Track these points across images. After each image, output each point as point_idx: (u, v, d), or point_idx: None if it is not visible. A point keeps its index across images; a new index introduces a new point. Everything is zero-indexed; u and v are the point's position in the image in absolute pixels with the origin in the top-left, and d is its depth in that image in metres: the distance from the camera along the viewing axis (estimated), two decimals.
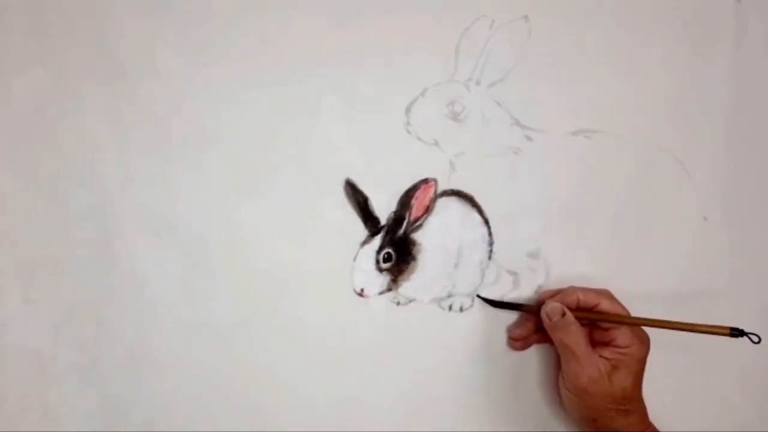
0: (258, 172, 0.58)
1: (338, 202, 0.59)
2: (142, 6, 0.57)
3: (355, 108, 0.59)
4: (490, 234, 0.60)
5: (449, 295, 0.60)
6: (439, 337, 0.60)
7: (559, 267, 0.60)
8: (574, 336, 0.55)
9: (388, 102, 0.59)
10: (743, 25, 0.62)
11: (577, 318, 0.55)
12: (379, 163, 0.59)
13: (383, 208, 0.59)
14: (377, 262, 0.59)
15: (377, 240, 0.59)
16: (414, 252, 0.59)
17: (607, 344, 0.55)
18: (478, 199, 0.60)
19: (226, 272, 0.58)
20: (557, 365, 0.58)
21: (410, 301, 0.60)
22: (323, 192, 0.59)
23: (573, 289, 0.57)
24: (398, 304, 0.60)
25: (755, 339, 0.52)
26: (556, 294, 0.58)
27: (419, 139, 0.59)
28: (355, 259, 0.59)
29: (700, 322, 0.53)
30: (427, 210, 0.59)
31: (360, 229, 0.59)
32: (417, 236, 0.59)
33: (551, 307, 0.56)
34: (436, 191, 0.59)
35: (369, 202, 0.59)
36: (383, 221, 0.59)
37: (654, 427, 0.56)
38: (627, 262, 0.61)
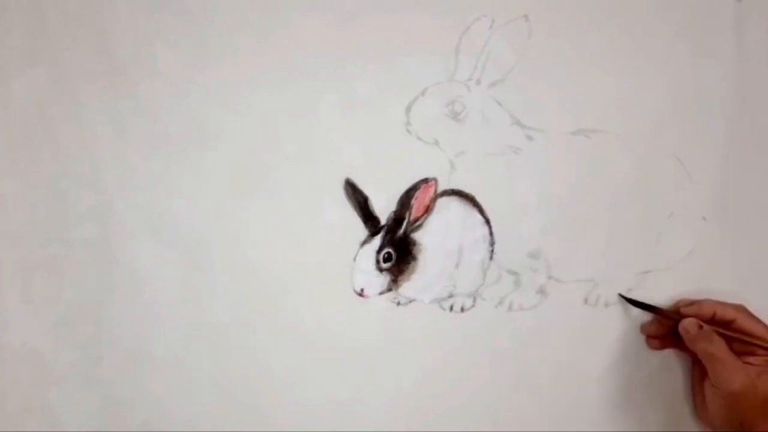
0: (258, 172, 0.58)
1: (338, 202, 0.59)
2: (142, 6, 0.57)
3: (355, 108, 0.59)
4: (491, 234, 0.60)
5: (450, 296, 0.60)
6: (440, 338, 0.60)
7: (560, 267, 0.60)
8: (716, 343, 0.56)
9: (388, 102, 0.59)
10: (743, 25, 0.62)
11: (714, 331, 0.57)
12: (379, 163, 0.59)
13: (383, 208, 0.59)
14: (377, 262, 0.59)
15: (377, 240, 0.59)
16: (414, 252, 0.59)
17: (750, 353, 0.56)
18: (478, 198, 0.60)
19: (226, 272, 0.58)
20: (693, 376, 0.61)
21: (410, 302, 0.60)
22: (323, 192, 0.59)
23: (709, 303, 0.58)
24: (398, 304, 0.60)
25: None
26: (691, 304, 0.59)
27: (419, 138, 0.59)
28: (355, 259, 0.59)
29: None
30: (428, 210, 0.59)
31: (360, 229, 0.59)
32: (417, 236, 0.59)
33: (688, 322, 0.57)
34: (436, 191, 0.59)
35: (369, 202, 0.59)
36: (383, 221, 0.59)
37: None
38: (627, 262, 0.61)
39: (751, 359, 0.56)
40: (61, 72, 0.57)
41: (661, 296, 0.61)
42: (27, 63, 0.57)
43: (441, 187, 0.60)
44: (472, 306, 0.60)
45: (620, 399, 0.62)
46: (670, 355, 0.62)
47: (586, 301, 0.61)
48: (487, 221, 0.60)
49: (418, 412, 0.60)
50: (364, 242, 0.59)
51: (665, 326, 0.60)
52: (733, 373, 0.55)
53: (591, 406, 0.62)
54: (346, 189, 0.59)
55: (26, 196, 0.57)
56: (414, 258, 0.59)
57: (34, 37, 0.57)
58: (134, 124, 0.57)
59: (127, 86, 0.57)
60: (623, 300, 0.61)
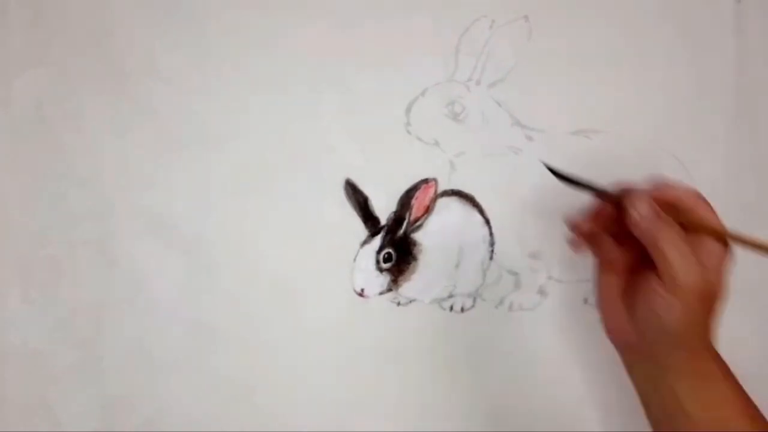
0: (258, 172, 0.58)
1: (338, 202, 0.59)
2: (142, 6, 0.57)
3: (355, 108, 0.59)
4: (491, 234, 0.60)
5: (450, 296, 0.60)
6: (440, 338, 0.60)
7: (560, 267, 0.60)
8: (671, 235, 0.46)
9: (388, 102, 0.59)
10: (743, 25, 0.62)
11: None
12: (379, 163, 0.59)
13: (383, 208, 0.59)
14: (377, 262, 0.59)
15: (377, 240, 0.59)
16: (414, 252, 0.59)
17: (699, 245, 0.48)
18: (478, 199, 0.60)
19: (226, 272, 0.58)
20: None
21: (411, 302, 0.60)
22: (323, 192, 0.59)
23: (665, 186, 0.49)
24: (399, 304, 0.60)
25: None
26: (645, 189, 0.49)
27: (419, 139, 0.59)
28: (355, 259, 0.59)
29: None
30: (428, 210, 0.59)
31: (360, 229, 0.59)
32: (417, 236, 0.59)
33: (643, 206, 0.47)
34: (436, 191, 0.59)
35: (369, 202, 0.59)
36: (383, 221, 0.59)
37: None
38: None
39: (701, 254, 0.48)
40: (61, 72, 0.57)
41: None
42: (27, 63, 0.57)
43: (441, 188, 0.60)
44: (472, 306, 0.61)
45: (620, 399, 0.62)
46: None
47: (586, 301, 0.61)
48: (487, 221, 0.60)
49: (418, 412, 0.60)
50: (364, 242, 0.59)
51: (605, 218, 0.51)
52: (689, 266, 0.46)
53: (591, 406, 0.62)
54: (346, 189, 0.59)
55: (26, 196, 0.57)
56: (414, 258, 0.59)
57: (34, 37, 0.57)
58: (134, 124, 0.57)
59: (127, 86, 0.57)
60: (551, 173, 0.52)
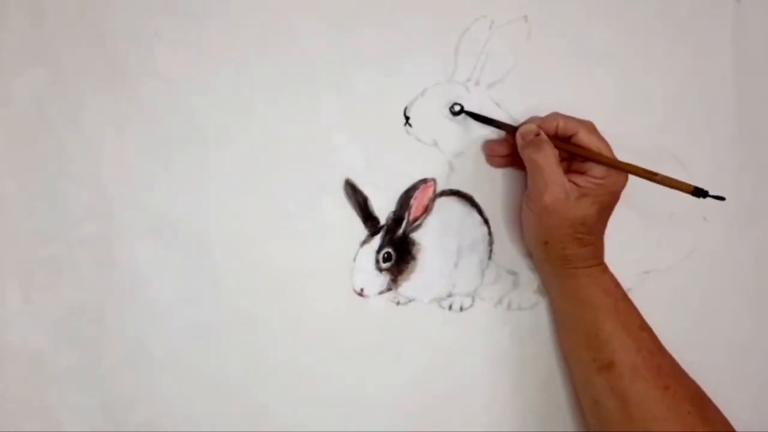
0: (258, 172, 0.58)
1: (338, 202, 0.59)
2: (142, 6, 0.57)
3: (355, 108, 0.59)
4: (489, 234, 0.60)
5: (449, 295, 0.60)
6: (439, 337, 0.61)
7: None
8: (543, 153, 0.53)
9: (388, 102, 0.59)
10: (743, 24, 0.62)
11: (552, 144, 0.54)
12: (379, 163, 0.59)
13: (383, 208, 0.59)
14: (377, 261, 0.59)
15: (377, 240, 0.59)
16: (414, 252, 0.59)
17: (582, 173, 0.54)
18: (477, 198, 0.60)
19: (226, 272, 0.58)
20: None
21: (410, 301, 0.60)
22: (323, 192, 0.59)
23: (555, 115, 0.55)
24: (398, 303, 0.60)
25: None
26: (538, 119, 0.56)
27: (418, 139, 0.59)
28: (354, 259, 0.59)
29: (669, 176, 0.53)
30: (426, 210, 0.59)
31: (360, 229, 0.59)
32: (416, 236, 0.59)
33: (524, 128, 0.55)
34: (435, 191, 0.59)
35: (369, 202, 0.59)
36: (383, 221, 0.59)
37: (607, 267, 0.56)
38: (627, 262, 0.61)
39: (580, 179, 0.53)
40: (61, 72, 0.57)
41: (662, 296, 0.61)
42: (27, 63, 0.57)
43: (440, 188, 0.60)
44: (471, 305, 0.61)
45: None
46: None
47: None
48: (486, 221, 0.60)
49: (417, 411, 0.60)
50: (364, 242, 0.59)
51: (509, 143, 0.57)
52: (548, 186, 0.52)
53: None
54: (346, 189, 0.59)
55: (26, 196, 0.57)
56: (413, 258, 0.60)
57: (34, 37, 0.57)
58: (134, 124, 0.57)
59: (127, 86, 0.57)
60: (466, 116, 0.58)
